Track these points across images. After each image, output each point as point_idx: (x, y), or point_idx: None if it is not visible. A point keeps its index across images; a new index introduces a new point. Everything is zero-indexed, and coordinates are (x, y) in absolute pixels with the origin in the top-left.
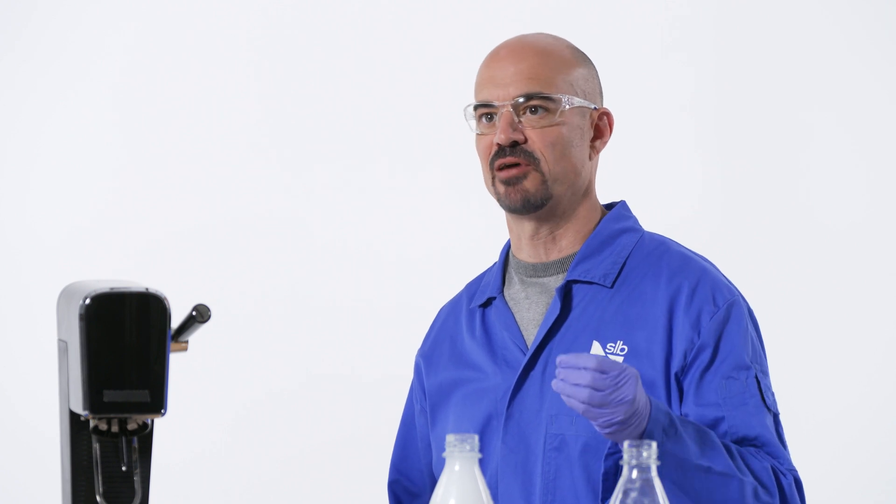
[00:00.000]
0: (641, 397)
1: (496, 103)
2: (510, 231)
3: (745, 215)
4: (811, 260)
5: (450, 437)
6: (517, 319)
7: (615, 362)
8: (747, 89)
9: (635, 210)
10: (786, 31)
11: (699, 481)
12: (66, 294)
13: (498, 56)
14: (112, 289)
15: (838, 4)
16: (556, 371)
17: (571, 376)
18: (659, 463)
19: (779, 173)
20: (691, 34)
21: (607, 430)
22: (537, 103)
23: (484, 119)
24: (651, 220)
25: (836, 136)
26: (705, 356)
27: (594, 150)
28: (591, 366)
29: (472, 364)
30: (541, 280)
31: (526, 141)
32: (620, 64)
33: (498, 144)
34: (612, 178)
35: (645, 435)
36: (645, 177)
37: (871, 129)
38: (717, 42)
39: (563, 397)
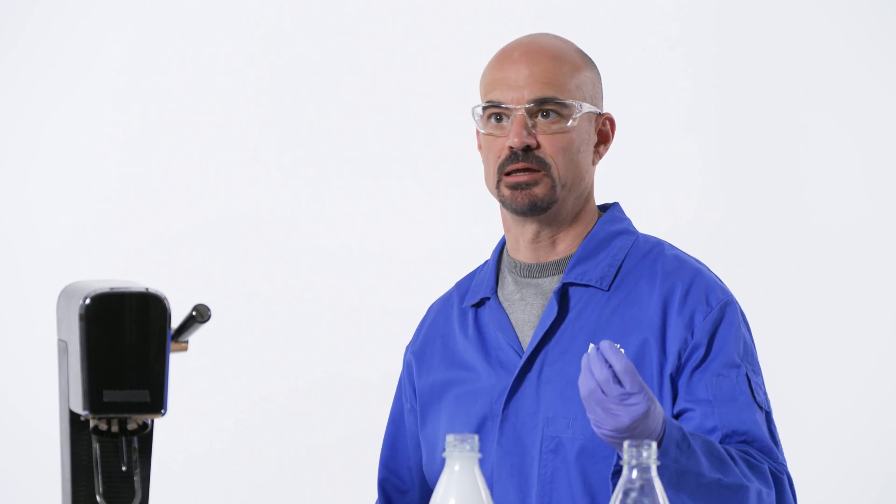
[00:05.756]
0: (650, 423)
1: (510, 105)
2: (508, 231)
3: (744, 216)
4: (811, 261)
5: (450, 437)
6: (511, 320)
7: (641, 383)
8: (747, 90)
9: (635, 212)
10: (786, 32)
11: (713, 494)
12: (66, 294)
13: (511, 57)
14: (112, 289)
15: (838, 4)
16: (592, 347)
17: (594, 363)
18: (676, 478)
19: (779, 174)
20: (691, 35)
21: (604, 437)
22: (551, 108)
23: (493, 119)
24: (651, 221)
25: (835, 136)
26: (698, 355)
27: (598, 154)
28: (617, 367)
29: (465, 364)
30: (536, 281)
31: (538, 146)
32: (620, 65)
33: (510, 148)
34: (611, 180)
35: (660, 449)
36: (644, 179)
37: (870, 129)
38: (716, 42)
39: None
